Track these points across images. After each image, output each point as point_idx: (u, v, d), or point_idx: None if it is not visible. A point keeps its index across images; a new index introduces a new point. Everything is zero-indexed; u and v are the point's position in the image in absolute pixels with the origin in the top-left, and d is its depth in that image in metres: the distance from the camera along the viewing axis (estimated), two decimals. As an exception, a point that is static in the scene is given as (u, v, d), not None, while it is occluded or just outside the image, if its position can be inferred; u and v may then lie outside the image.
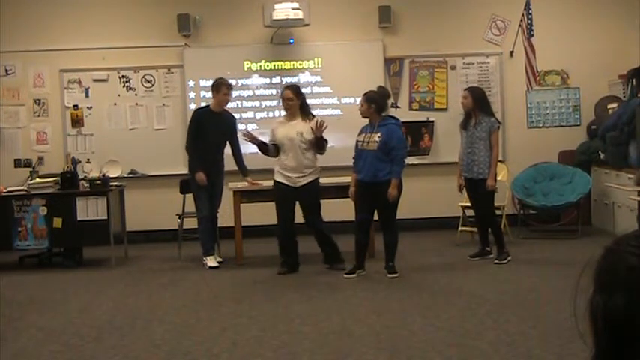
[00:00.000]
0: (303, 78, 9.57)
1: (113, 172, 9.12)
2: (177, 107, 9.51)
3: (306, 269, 7.37)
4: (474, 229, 8.15)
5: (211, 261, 7.76)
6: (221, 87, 7.87)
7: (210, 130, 7.74)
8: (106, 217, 7.91)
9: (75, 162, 8.51)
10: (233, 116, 8.19)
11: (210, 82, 8.17)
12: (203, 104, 8.67)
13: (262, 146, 7.44)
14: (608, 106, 9.36)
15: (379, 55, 9.66)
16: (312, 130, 7.16)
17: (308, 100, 9.78)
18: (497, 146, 7.45)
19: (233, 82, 9.48)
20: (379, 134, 6.90)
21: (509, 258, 7.42)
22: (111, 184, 8.21)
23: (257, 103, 9.61)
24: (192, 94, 9.41)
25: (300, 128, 7.24)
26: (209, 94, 8.32)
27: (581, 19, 9.76)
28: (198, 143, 7.77)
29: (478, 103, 7.46)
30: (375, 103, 7.00)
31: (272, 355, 4.69)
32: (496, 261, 7.39)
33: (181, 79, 9.57)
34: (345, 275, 6.94)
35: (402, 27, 9.71)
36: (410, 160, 9.65)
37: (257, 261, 7.98)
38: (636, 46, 9.19)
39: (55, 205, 7.94)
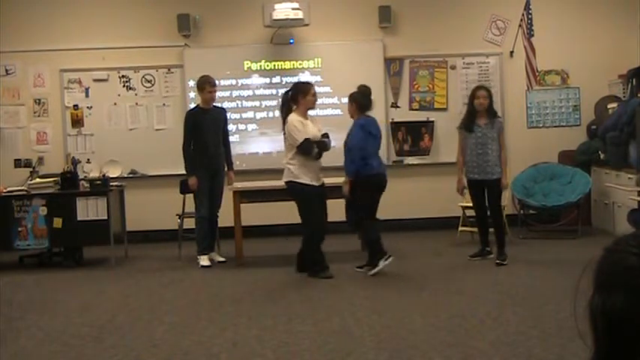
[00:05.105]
0: (303, 78, 9.55)
1: (113, 172, 9.13)
2: (177, 107, 9.51)
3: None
4: (474, 229, 8.13)
5: (204, 260, 7.81)
6: (204, 85, 7.93)
7: (206, 128, 7.79)
8: (106, 217, 7.91)
9: (75, 162, 8.51)
10: (224, 109, 8.30)
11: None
12: (192, 105, 8.69)
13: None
14: (608, 106, 9.36)
15: (379, 55, 9.66)
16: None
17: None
18: (505, 145, 7.47)
19: (233, 82, 9.53)
20: (348, 133, 7.13)
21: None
22: (111, 184, 8.21)
23: (257, 103, 9.61)
24: (192, 94, 9.40)
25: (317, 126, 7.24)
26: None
27: (581, 19, 9.77)
28: (195, 145, 7.81)
29: (491, 102, 7.46)
30: (356, 101, 7.16)
31: (272, 355, 4.69)
32: (497, 261, 7.35)
33: (181, 79, 9.58)
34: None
35: (402, 27, 9.71)
36: (410, 160, 9.73)
37: (257, 261, 7.98)
38: (636, 46, 9.20)
39: (55, 205, 7.94)
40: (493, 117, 7.43)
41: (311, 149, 6.90)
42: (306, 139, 6.88)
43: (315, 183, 7.00)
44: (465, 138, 7.50)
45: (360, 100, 7.15)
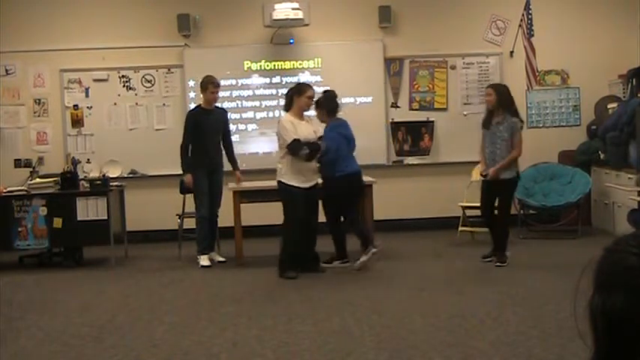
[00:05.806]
0: (303, 78, 9.55)
1: (113, 172, 9.13)
2: (177, 107, 9.51)
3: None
4: (474, 229, 8.12)
5: (204, 260, 7.82)
6: (208, 85, 7.93)
7: (206, 128, 7.82)
8: (106, 217, 7.91)
9: (75, 162, 8.51)
10: (224, 110, 8.31)
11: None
12: (192, 105, 8.69)
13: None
14: (608, 106, 9.36)
15: (379, 55, 9.66)
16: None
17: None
18: (519, 147, 7.27)
19: (233, 82, 9.53)
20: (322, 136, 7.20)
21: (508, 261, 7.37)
22: (111, 184, 8.22)
23: (257, 103, 9.61)
24: (192, 94, 9.41)
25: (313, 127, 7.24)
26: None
27: (581, 19, 9.77)
28: (195, 145, 7.82)
29: (502, 100, 7.28)
30: (321, 106, 7.27)
31: (272, 355, 4.69)
32: (497, 264, 7.31)
33: (181, 79, 9.58)
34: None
35: (402, 27, 9.71)
36: (410, 160, 9.72)
37: (257, 261, 7.98)
38: (636, 46, 9.20)
39: (55, 205, 7.94)
40: (510, 116, 7.28)
41: (299, 149, 6.88)
42: (294, 140, 6.87)
43: (301, 185, 6.96)
44: (484, 135, 7.45)
45: (327, 104, 7.28)
